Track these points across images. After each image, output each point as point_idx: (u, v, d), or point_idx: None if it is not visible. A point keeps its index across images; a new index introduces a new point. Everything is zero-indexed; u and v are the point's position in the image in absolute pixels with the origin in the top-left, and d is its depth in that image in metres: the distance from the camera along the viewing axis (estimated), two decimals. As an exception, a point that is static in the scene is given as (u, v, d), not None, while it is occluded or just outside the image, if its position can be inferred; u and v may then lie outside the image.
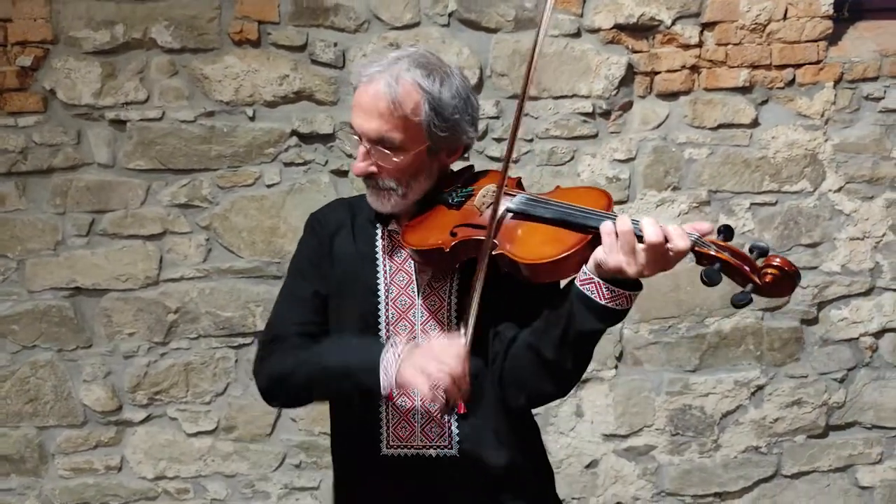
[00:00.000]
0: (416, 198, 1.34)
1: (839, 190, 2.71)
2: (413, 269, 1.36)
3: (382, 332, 1.33)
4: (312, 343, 1.35)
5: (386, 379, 1.19)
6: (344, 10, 2.55)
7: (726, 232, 1.11)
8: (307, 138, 2.60)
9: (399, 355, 1.20)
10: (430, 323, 1.34)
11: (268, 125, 2.59)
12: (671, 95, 2.65)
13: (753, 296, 1.09)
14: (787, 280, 1.08)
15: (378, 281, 1.35)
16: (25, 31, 2.49)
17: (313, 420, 2.68)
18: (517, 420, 1.38)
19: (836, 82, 2.66)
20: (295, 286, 1.41)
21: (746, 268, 1.09)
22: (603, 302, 1.14)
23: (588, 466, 2.76)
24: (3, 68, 2.50)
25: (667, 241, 1.10)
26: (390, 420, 1.33)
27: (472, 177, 1.40)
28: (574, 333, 1.17)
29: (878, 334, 2.77)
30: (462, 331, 1.20)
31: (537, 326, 1.24)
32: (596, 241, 1.15)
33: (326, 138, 2.60)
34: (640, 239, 1.10)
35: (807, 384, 2.76)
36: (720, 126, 2.66)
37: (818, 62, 2.64)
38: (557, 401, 2.68)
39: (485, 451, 1.32)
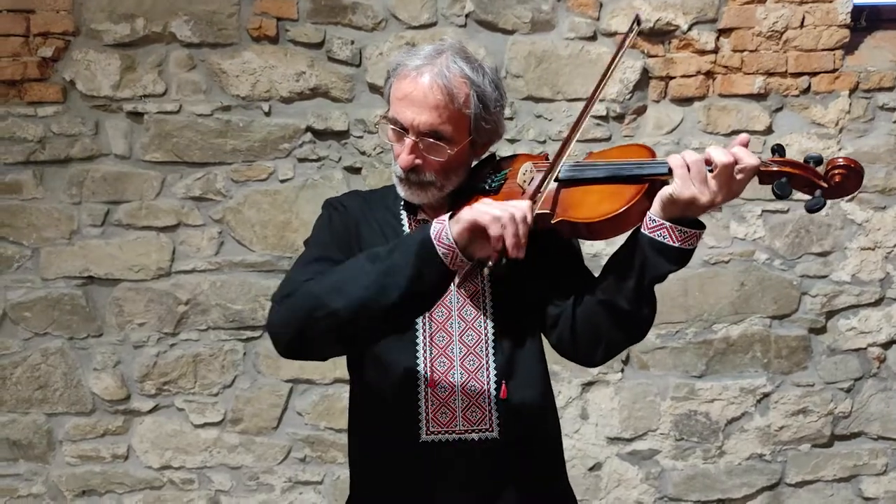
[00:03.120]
0: (451, 189, 1.34)
1: (851, 199, 2.70)
2: None
3: (419, 320, 1.33)
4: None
5: (444, 243, 1.11)
6: (362, 9, 2.57)
7: (780, 150, 1.16)
8: (322, 135, 2.62)
9: (445, 222, 1.13)
10: (467, 308, 1.34)
11: (283, 121, 2.61)
12: (685, 101, 2.65)
13: (826, 199, 1.14)
14: (854, 175, 1.13)
15: None
16: (48, 22, 2.52)
17: (319, 415, 2.70)
18: (551, 402, 1.40)
19: (852, 91, 2.65)
20: (317, 252, 1.31)
21: (811, 175, 1.14)
22: (677, 244, 1.16)
23: (591, 469, 2.76)
24: (25, 59, 2.53)
25: (735, 162, 1.13)
26: (430, 405, 1.31)
27: (498, 164, 1.41)
28: (649, 280, 1.19)
29: (887, 345, 2.76)
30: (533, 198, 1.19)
31: (606, 282, 1.24)
32: (653, 188, 1.18)
33: (341, 135, 2.62)
34: (708, 168, 1.13)
35: (813, 393, 2.76)
36: (734, 132, 2.66)
37: (834, 71, 2.64)
38: (564, 401, 2.71)
39: (525, 432, 1.33)
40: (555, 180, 1.25)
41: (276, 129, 2.61)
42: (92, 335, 2.66)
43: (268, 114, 2.61)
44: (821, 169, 1.15)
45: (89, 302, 2.65)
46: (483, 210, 1.11)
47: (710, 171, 1.14)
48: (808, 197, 1.15)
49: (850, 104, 2.66)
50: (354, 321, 1.14)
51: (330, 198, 1.44)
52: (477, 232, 1.12)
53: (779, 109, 2.67)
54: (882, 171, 2.70)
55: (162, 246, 2.64)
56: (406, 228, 1.37)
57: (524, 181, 1.29)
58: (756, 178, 1.16)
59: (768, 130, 2.67)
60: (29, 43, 2.53)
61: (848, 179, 1.13)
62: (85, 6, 2.53)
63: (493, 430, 1.32)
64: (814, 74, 2.64)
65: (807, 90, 2.66)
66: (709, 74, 2.64)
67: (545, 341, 1.40)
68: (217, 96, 2.59)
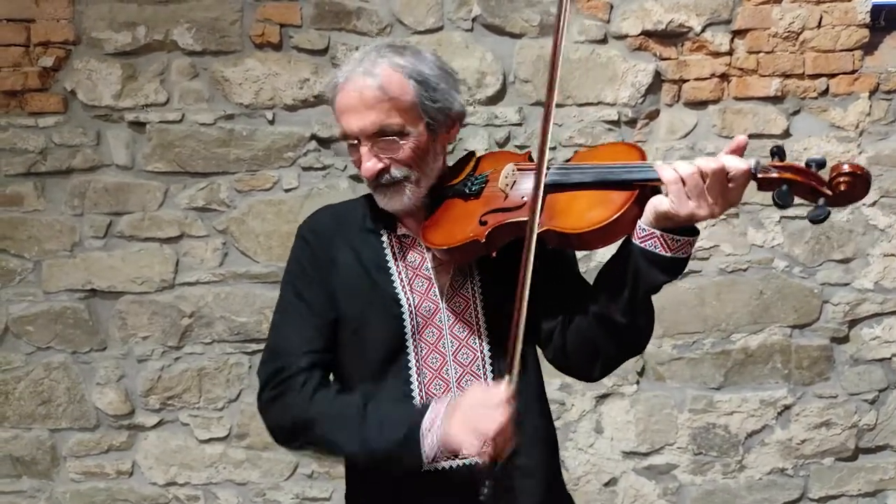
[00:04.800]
0: (430, 183, 1.28)
1: (873, 204, 2.63)
2: (431, 272, 1.30)
3: (409, 342, 1.28)
4: (329, 386, 1.27)
5: (428, 450, 1.17)
6: (367, 14, 2.53)
7: (780, 153, 1.09)
8: (326, 143, 2.57)
9: (438, 420, 1.16)
10: (458, 325, 1.29)
11: (287, 129, 2.57)
12: (700, 104, 2.59)
13: (830, 209, 1.06)
14: (860, 183, 1.05)
15: (396, 289, 1.29)
16: (48, 31, 2.50)
17: (327, 429, 2.64)
18: (549, 418, 1.36)
19: (872, 93, 2.59)
20: (295, 307, 1.32)
21: (814, 182, 1.05)
22: (669, 254, 1.11)
23: (607, 484, 2.69)
24: (25, 69, 2.51)
25: (726, 169, 1.06)
26: None
27: (476, 163, 1.34)
28: (643, 292, 1.15)
29: (912, 355, 2.69)
30: (507, 378, 1.15)
31: (598, 295, 1.20)
32: (644, 194, 1.12)
33: (346, 143, 2.57)
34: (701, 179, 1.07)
35: (836, 405, 2.68)
36: (750, 136, 2.53)
37: (853, 72, 2.57)
38: (577, 415, 2.64)
39: (529, 453, 1.28)
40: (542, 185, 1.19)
41: (280, 138, 2.57)
42: (95, 349, 2.62)
43: (271, 122, 2.57)
44: (824, 174, 1.06)
45: (92, 315, 2.61)
46: (467, 437, 1.12)
47: (704, 182, 1.07)
48: (810, 205, 1.07)
49: (871, 106, 2.60)
50: (331, 454, 1.30)
51: (302, 224, 1.39)
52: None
53: (796, 112, 2.60)
54: (905, 174, 2.62)
55: (165, 258, 2.60)
56: (386, 245, 1.32)
57: (506, 185, 1.23)
58: (755, 185, 1.09)
59: (786, 134, 2.60)
60: (29, 53, 2.51)
61: (854, 187, 1.04)
62: (85, 15, 2.51)
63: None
64: (832, 76, 2.58)
65: (825, 92, 2.59)
66: (723, 77, 2.58)
67: (540, 354, 1.35)
68: (220, 105, 2.56)
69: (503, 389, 1.13)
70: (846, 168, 1.04)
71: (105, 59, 2.52)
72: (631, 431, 2.67)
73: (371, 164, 1.24)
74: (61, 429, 2.64)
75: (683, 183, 1.07)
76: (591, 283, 1.26)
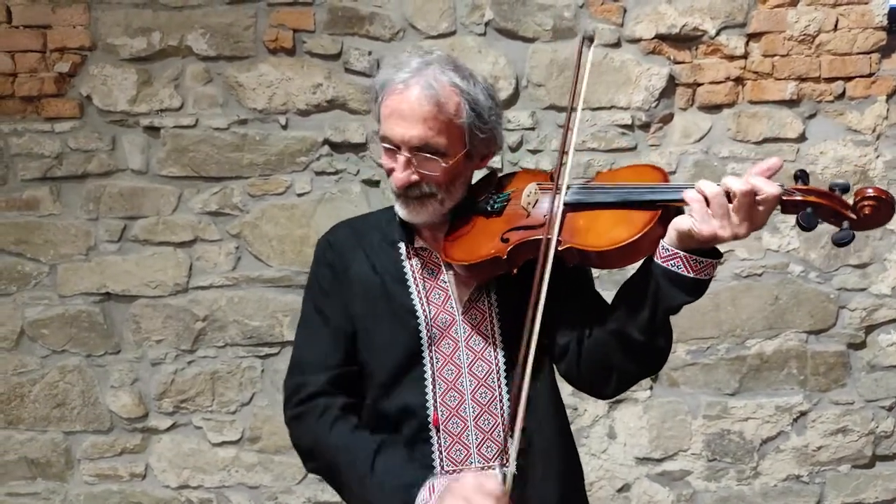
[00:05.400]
0: (452, 205, 1.29)
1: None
2: (449, 285, 1.30)
3: (425, 353, 1.28)
4: (348, 416, 1.28)
5: None
6: (379, 19, 2.53)
7: (804, 176, 1.08)
8: (339, 147, 2.58)
9: (432, 498, 1.16)
10: (474, 338, 1.28)
11: (300, 133, 2.57)
12: (714, 108, 2.57)
13: (855, 232, 1.05)
14: (885, 208, 1.04)
15: (413, 302, 1.29)
16: (64, 37, 2.52)
17: (339, 433, 2.64)
18: (565, 431, 1.35)
19: (889, 96, 2.56)
20: (313, 324, 1.34)
21: (838, 206, 1.05)
22: (692, 275, 1.10)
23: (620, 490, 2.67)
24: (42, 74, 2.53)
25: (755, 191, 1.05)
26: (442, 443, 1.27)
27: (500, 182, 1.35)
28: (663, 312, 1.14)
29: (931, 361, 2.65)
30: (500, 473, 1.16)
31: (618, 312, 1.19)
32: (667, 214, 1.12)
33: (358, 147, 2.57)
34: (727, 198, 1.06)
35: (853, 411, 2.65)
36: (765, 140, 2.57)
37: (870, 75, 2.54)
38: (590, 420, 2.63)
39: (538, 463, 1.28)
40: (563, 203, 1.19)
41: (294, 143, 2.57)
42: (109, 352, 2.64)
43: (285, 127, 2.57)
44: (848, 198, 1.06)
45: (107, 319, 2.62)
46: None
47: (730, 202, 1.06)
48: (835, 228, 1.06)
49: (888, 109, 2.57)
50: (336, 490, 1.31)
51: (320, 239, 1.40)
52: None
53: (812, 116, 2.58)
54: (923, 178, 2.59)
55: (179, 262, 2.61)
56: (404, 257, 1.32)
57: (528, 203, 1.24)
58: (779, 207, 1.08)
59: (801, 138, 2.58)
60: (46, 58, 2.53)
61: (878, 212, 1.04)
62: (101, 21, 2.53)
63: (508, 465, 1.25)
64: (849, 79, 2.55)
65: (842, 95, 2.56)
66: (738, 80, 2.55)
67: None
68: (234, 110, 2.57)
69: (498, 484, 1.12)
70: (871, 192, 1.04)
71: (120, 64, 2.54)
72: (644, 437, 2.65)
73: (404, 176, 1.23)
74: (75, 431, 2.66)
75: (707, 202, 1.06)
76: (611, 300, 1.25)
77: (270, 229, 2.60)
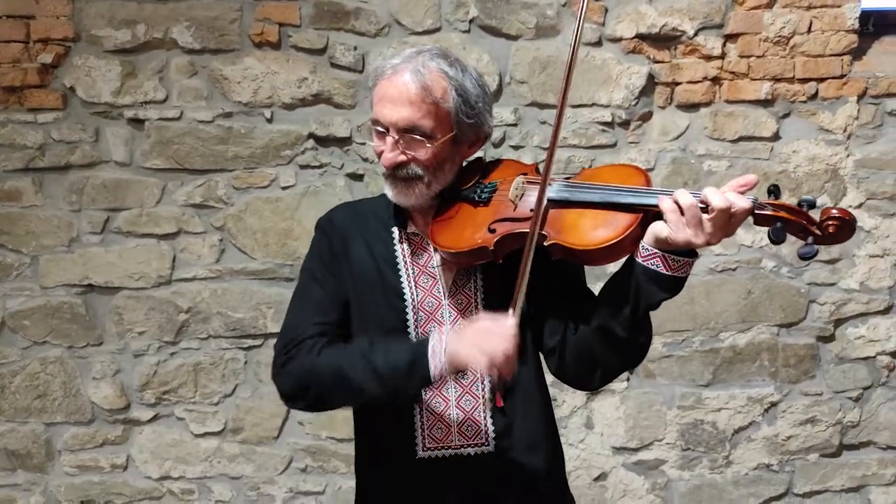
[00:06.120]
0: (439, 189, 1.33)
1: (860, 206, 2.68)
2: (437, 269, 1.35)
3: (412, 335, 1.32)
4: (339, 343, 1.32)
5: (437, 363, 1.19)
6: (365, 14, 2.55)
7: (776, 191, 1.15)
8: (324, 141, 2.59)
9: (445, 338, 1.20)
10: (460, 322, 1.33)
11: (285, 127, 2.59)
12: (692, 106, 2.63)
13: (817, 246, 1.13)
14: (847, 228, 1.13)
15: (402, 285, 1.34)
16: (48, 28, 2.51)
17: (321, 425, 2.67)
18: (546, 412, 1.40)
19: (860, 97, 2.63)
20: (310, 289, 1.38)
21: (805, 222, 1.13)
22: (670, 273, 1.17)
23: (597, 479, 2.73)
24: (25, 65, 2.51)
25: (731, 207, 1.12)
26: (425, 422, 1.32)
27: (486, 169, 1.39)
28: (644, 308, 1.20)
29: (896, 354, 2.74)
30: (510, 311, 1.19)
31: (601, 309, 1.24)
32: (648, 218, 1.18)
33: (343, 142, 2.60)
34: (702, 209, 1.13)
35: (821, 402, 2.73)
36: (741, 139, 2.64)
37: (842, 76, 2.61)
38: (569, 410, 2.68)
39: (521, 445, 1.33)
40: (547, 199, 1.24)
41: (278, 136, 2.59)
42: (91, 344, 2.63)
43: (270, 120, 2.58)
44: (814, 214, 1.13)
45: (89, 310, 2.62)
46: (476, 354, 1.16)
47: (705, 211, 1.13)
48: (801, 242, 1.14)
49: (859, 110, 2.64)
50: (340, 397, 1.31)
51: (322, 217, 1.45)
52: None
53: (786, 115, 2.64)
54: (891, 177, 2.67)
55: (162, 254, 2.61)
56: (396, 243, 1.37)
57: (516, 196, 1.28)
58: (751, 219, 1.15)
59: (775, 137, 2.64)
60: (29, 49, 2.51)
61: (841, 231, 1.12)
62: (85, 12, 2.52)
63: (489, 445, 1.32)
64: (821, 80, 2.62)
65: (814, 96, 2.63)
66: (715, 80, 2.61)
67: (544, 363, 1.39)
68: (218, 103, 2.57)
69: (510, 321, 1.17)
70: (835, 213, 1.12)
71: (104, 56, 2.53)
72: (621, 427, 2.71)
73: (392, 156, 1.28)
74: (56, 423, 2.65)
75: (682, 213, 1.12)
76: (594, 300, 1.30)
77: (255, 222, 2.61)
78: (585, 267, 1.36)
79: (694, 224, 1.12)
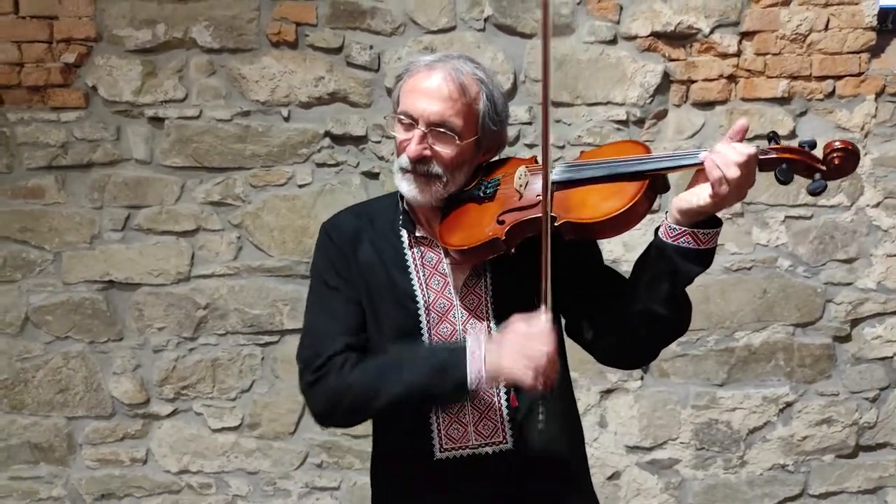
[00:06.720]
0: (451, 191, 1.34)
1: (877, 205, 2.66)
2: (447, 271, 1.36)
3: (425, 336, 1.33)
4: (366, 358, 1.32)
5: (474, 378, 1.20)
6: (381, 14, 2.57)
7: (775, 137, 1.19)
8: (340, 140, 2.62)
9: (483, 348, 1.21)
10: (471, 321, 1.33)
11: (302, 126, 2.61)
12: (707, 105, 2.62)
13: (827, 182, 1.16)
14: (851, 157, 1.16)
15: (414, 287, 1.34)
16: (70, 28, 2.55)
17: (337, 420, 2.69)
18: (571, 408, 1.42)
19: (878, 95, 2.61)
20: (326, 298, 1.37)
21: (808, 160, 1.16)
22: (702, 247, 1.19)
23: (610, 478, 2.73)
24: (48, 64, 2.56)
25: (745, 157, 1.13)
26: (441, 423, 1.32)
27: (486, 169, 1.40)
28: (682, 286, 1.22)
29: (914, 354, 2.72)
30: (542, 306, 1.20)
31: (639, 294, 1.24)
32: (654, 184, 1.20)
33: (359, 140, 2.62)
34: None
35: (837, 402, 2.71)
36: (756, 137, 2.62)
37: (859, 74, 2.59)
38: (582, 409, 2.69)
39: (540, 442, 1.32)
40: (552, 182, 1.24)
41: (295, 134, 2.62)
42: (112, 339, 2.68)
43: (287, 119, 2.61)
44: (817, 152, 1.17)
45: (110, 306, 2.67)
46: (520, 367, 1.16)
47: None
48: (808, 181, 1.17)
49: (877, 108, 2.62)
50: (375, 411, 1.31)
51: (325, 222, 1.45)
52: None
53: (803, 113, 2.63)
54: (909, 176, 2.65)
55: (181, 251, 2.65)
56: (406, 245, 1.37)
57: (520, 185, 1.29)
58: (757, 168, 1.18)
59: (792, 135, 2.63)
60: (52, 49, 2.56)
61: (846, 161, 1.16)
62: (107, 12, 2.56)
63: (506, 442, 1.32)
64: (839, 78, 2.60)
65: (832, 94, 2.61)
66: (731, 78, 2.61)
67: (568, 347, 1.39)
68: (237, 101, 2.60)
69: (542, 318, 1.18)
70: (838, 144, 1.15)
71: (125, 55, 2.57)
72: (635, 426, 2.71)
73: (419, 148, 1.29)
74: (78, 417, 2.70)
75: (719, 166, 1.13)
76: (628, 287, 1.30)
77: (272, 220, 2.65)
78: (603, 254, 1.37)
79: (735, 181, 1.11)
